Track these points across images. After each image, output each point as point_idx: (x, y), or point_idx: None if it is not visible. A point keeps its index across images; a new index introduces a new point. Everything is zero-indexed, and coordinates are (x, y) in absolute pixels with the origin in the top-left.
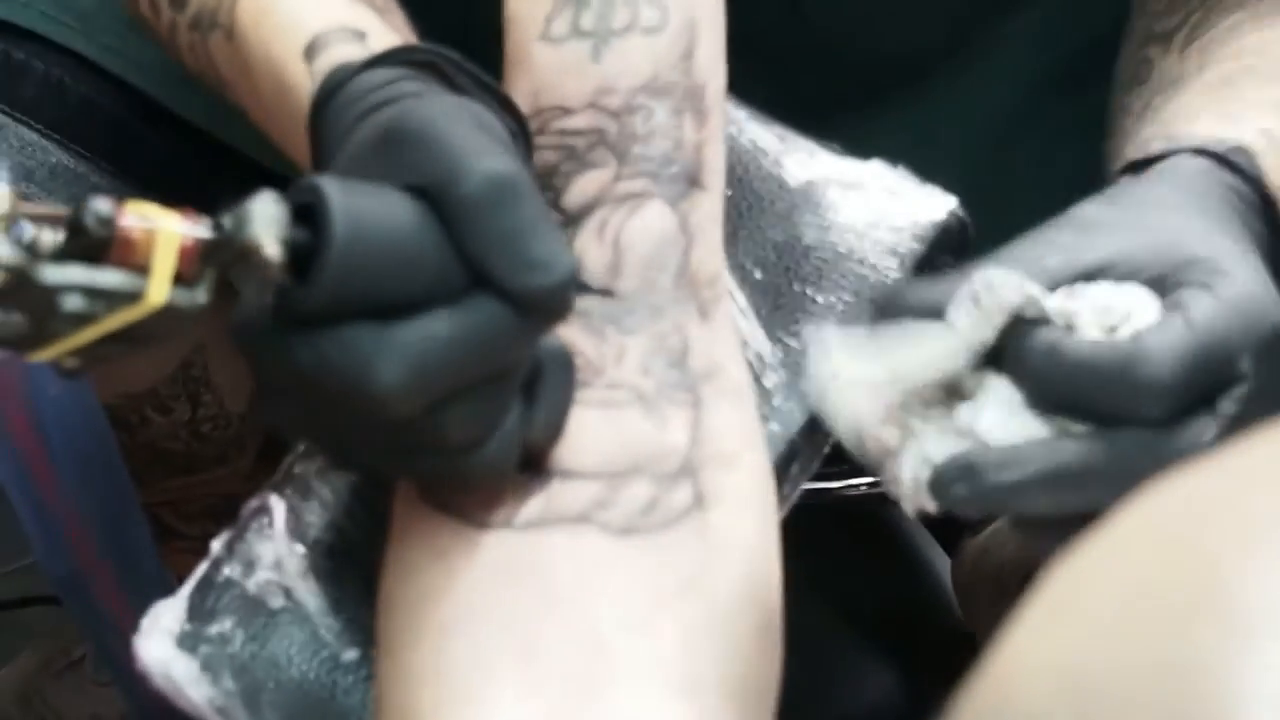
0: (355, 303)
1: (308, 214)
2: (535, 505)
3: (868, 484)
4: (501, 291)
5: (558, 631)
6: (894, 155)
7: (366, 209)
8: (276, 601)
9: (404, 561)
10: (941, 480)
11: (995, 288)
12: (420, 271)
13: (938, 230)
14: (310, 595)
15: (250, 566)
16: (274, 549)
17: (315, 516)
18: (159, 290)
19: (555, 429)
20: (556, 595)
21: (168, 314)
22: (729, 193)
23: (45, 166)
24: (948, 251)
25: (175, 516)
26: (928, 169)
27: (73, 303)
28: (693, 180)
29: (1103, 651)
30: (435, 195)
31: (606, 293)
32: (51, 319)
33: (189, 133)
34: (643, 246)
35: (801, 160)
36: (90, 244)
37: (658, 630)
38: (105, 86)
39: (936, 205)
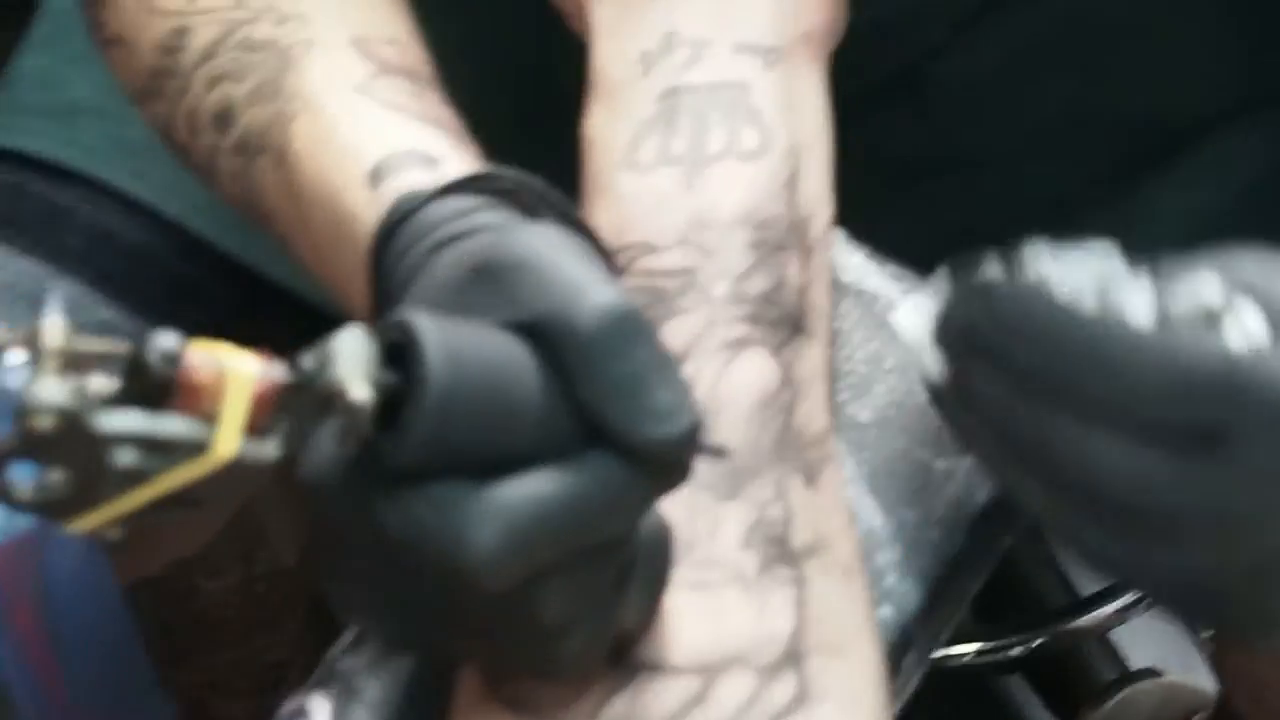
0: (450, 457)
1: (397, 355)
2: (620, 705)
3: (975, 651)
4: (618, 446)
5: None
6: None
7: (465, 349)
8: None
9: None
10: None
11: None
12: (525, 421)
13: None
14: None
15: None
16: None
17: (361, 718)
18: (228, 442)
19: (650, 613)
20: None
21: (234, 471)
22: (835, 342)
23: (94, 323)
24: None
25: (215, 696)
26: None
27: (126, 457)
28: (796, 325)
29: None
30: (544, 333)
31: (720, 452)
32: (99, 479)
33: (256, 282)
34: (742, 401)
35: (920, 305)
36: (150, 388)
37: None
38: (160, 232)
39: None
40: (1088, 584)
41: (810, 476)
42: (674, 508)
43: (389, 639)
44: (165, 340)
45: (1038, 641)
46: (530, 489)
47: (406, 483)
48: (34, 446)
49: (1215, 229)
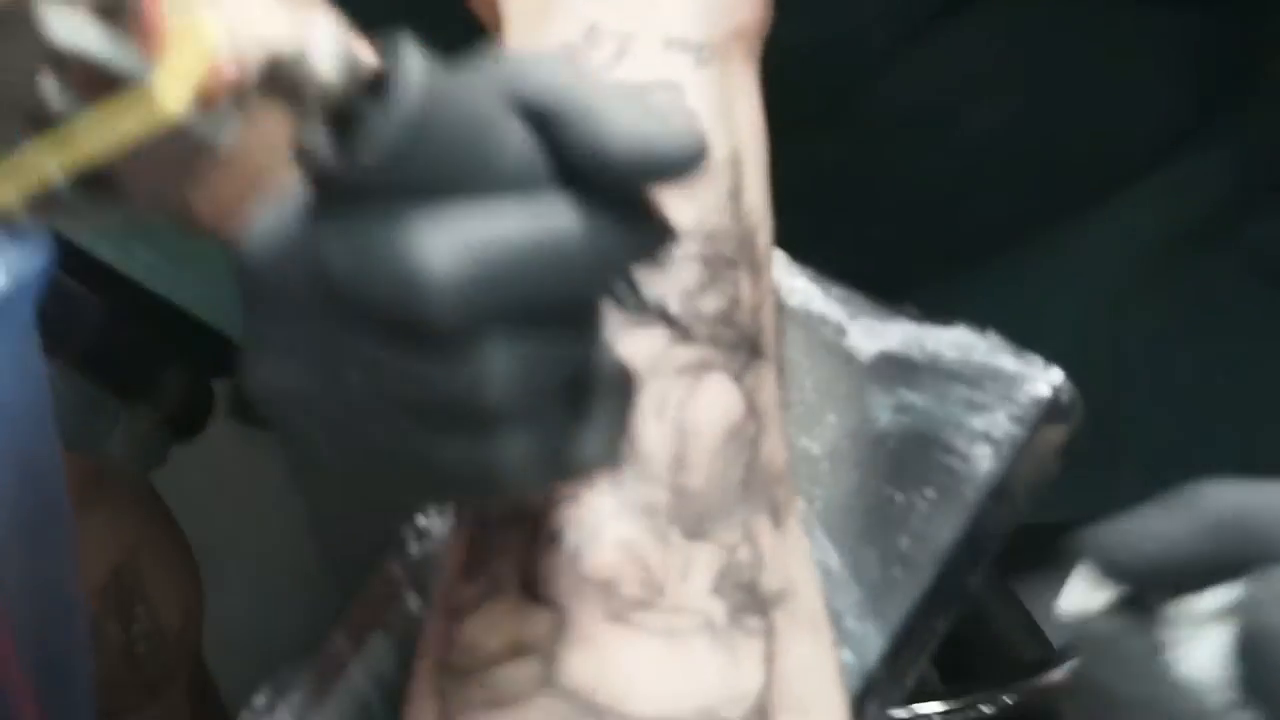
0: (413, 181)
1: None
2: None
3: (943, 712)
4: (606, 172)
5: None
6: (982, 322)
7: (446, 81)
8: None
9: None
10: None
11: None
12: (498, 157)
13: (1041, 411)
14: None
15: None
16: None
17: None
18: (175, 96)
19: (608, 457)
20: None
21: (175, 143)
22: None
23: None
24: (1057, 434)
25: None
26: (1023, 338)
27: (53, 92)
28: (754, 348)
29: None
30: (535, 103)
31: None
32: (20, 116)
33: None
34: (710, 434)
35: (870, 328)
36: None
37: None
38: None
39: (1037, 380)
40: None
41: (777, 517)
42: (645, 541)
43: (333, 453)
44: None
45: (1009, 700)
46: (491, 216)
47: (361, 203)
48: None
49: (1159, 261)
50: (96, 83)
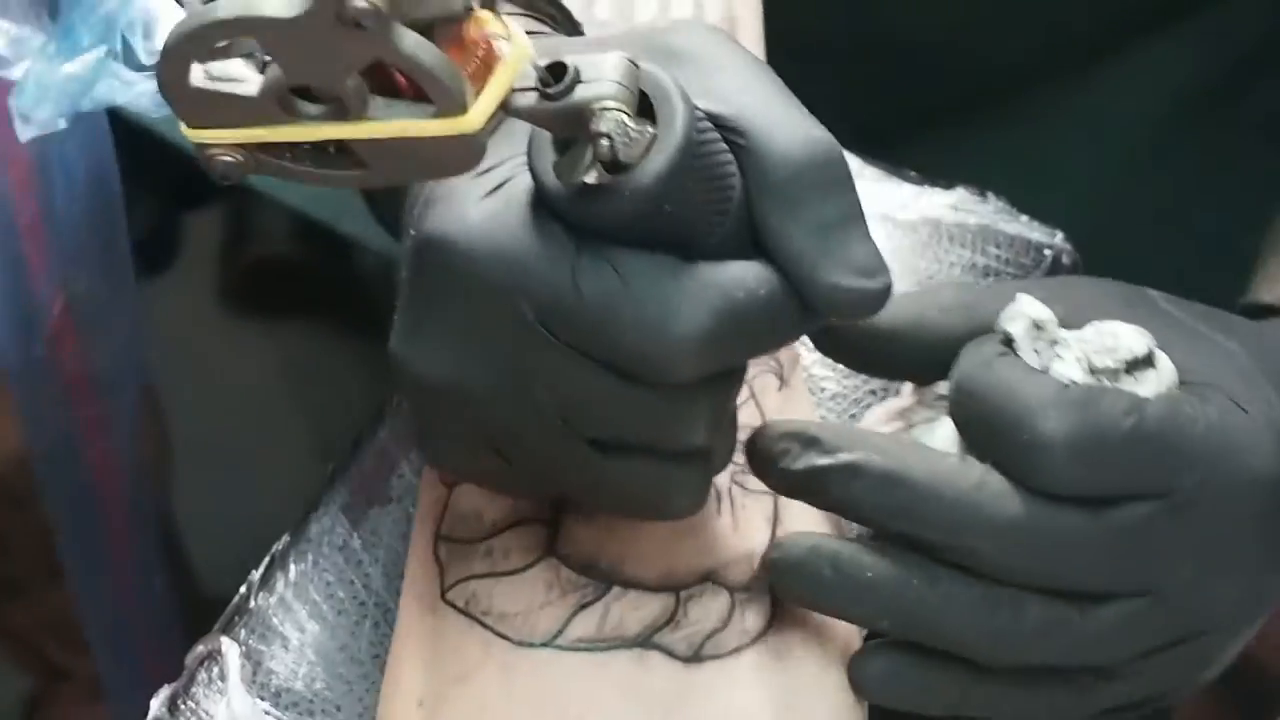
0: (665, 223)
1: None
2: (589, 618)
3: None
4: (804, 287)
5: None
6: (982, 183)
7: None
8: None
9: (418, 684)
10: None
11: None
12: (729, 207)
13: (1043, 273)
14: None
15: None
16: (229, 705)
17: (279, 663)
18: (480, 110)
19: (727, 459)
20: None
21: (455, 149)
22: None
23: None
24: None
25: (57, 647)
26: (1026, 203)
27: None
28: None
29: None
30: (744, 138)
31: None
32: (351, 98)
33: None
34: None
35: (868, 192)
36: (436, 23)
37: None
38: None
39: (1039, 242)
40: None
41: (782, 377)
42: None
43: (451, 437)
44: None
45: None
46: (742, 276)
47: (615, 238)
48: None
49: (1172, 121)
50: (402, 87)
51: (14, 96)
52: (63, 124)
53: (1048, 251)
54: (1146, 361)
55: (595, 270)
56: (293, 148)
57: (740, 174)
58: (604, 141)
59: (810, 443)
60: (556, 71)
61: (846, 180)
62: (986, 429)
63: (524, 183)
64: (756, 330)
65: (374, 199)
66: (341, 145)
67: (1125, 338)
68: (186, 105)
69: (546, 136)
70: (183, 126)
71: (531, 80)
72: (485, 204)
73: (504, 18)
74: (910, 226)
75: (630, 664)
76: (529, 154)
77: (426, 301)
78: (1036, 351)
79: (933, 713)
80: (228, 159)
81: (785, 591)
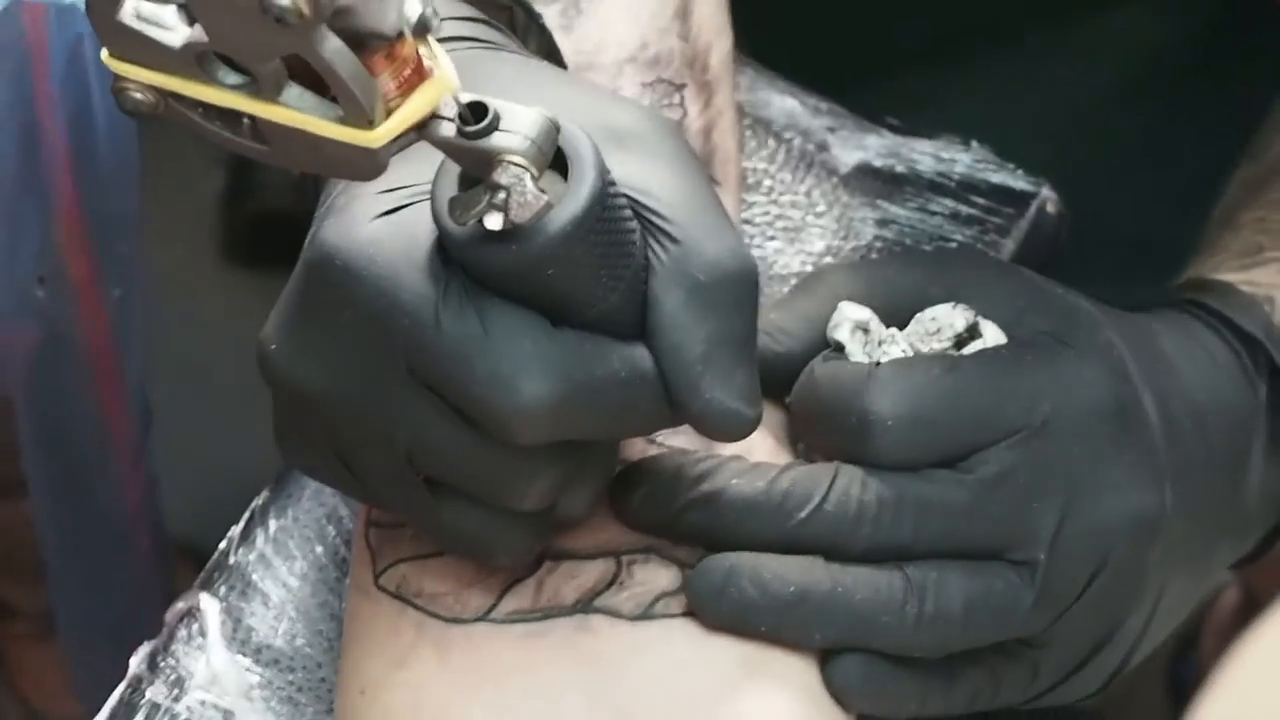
0: (547, 284)
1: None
2: (522, 592)
3: None
4: (674, 392)
5: None
6: (963, 129)
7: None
8: None
9: (359, 672)
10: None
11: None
12: (619, 280)
13: (1029, 223)
14: (255, 718)
15: (179, 685)
16: (208, 663)
17: (259, 620)
18: (386, 133)
19: (588, 508)
20: (550, 709)
21: (353, 155)
22: (759, 190)
23: None
24: (1041, 250)
25: (4, 577)
26: (1006, 146)
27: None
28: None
29: None
30: (659, 241)
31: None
32: (266, 79)
33: None
34: None
35: (850, 140)
36: (366, 36)
37: None
38: None
39: (1023, 191)
40: None
41: None
42: None
43: (334, 472)
44: (430, 8)
45: None
46: (597, 351)
47: (492, 284)
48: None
49: (1153, 66)
50: (320, 84)
51: None
52: None
53: (1033, 201)
54: (971, 333)
55: (460, 313)
56: (206, 106)
57: (652, 261)
58: (500, 194)
59: (657, 486)
60: (477, 111)
61: (755, 304)
62: (822, 428)
63: (420, 212)
64: (607, 411)
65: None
66: (254, 120)
67: (944, 317)
68: (110, 34)
69: (455, 170)
70: (104, 52)
71: (453, 111)
72: (376, 225)
73: (434, 45)
74: (890, 175)
75: (571, 629)
76: (434, 183)
77: (303, 305)
78: (867, 355)
79: (906, 715)
80: (138, 96)
81: (708, 618)
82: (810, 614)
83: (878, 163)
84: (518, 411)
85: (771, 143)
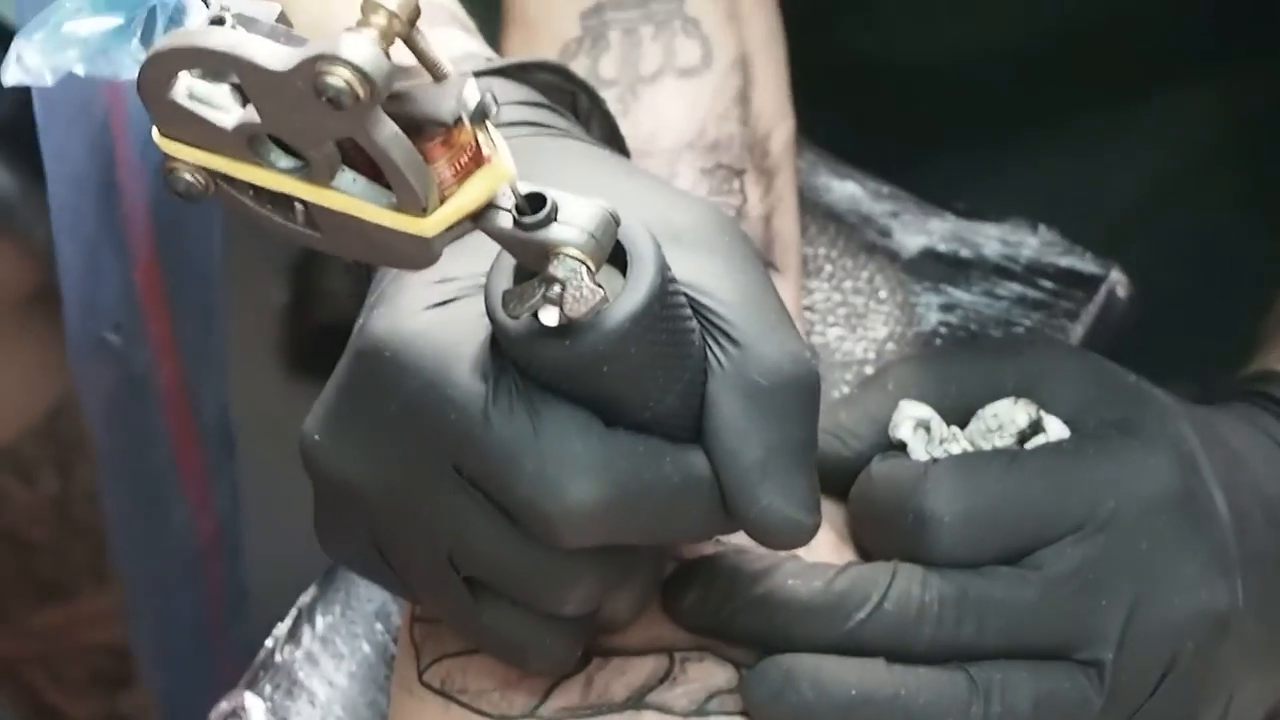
0: (601, 383)
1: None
2: (570, 689)
3: None
4: (731, 498)
5: None
6: (1028, 213)
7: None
8: None
9: None
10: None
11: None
12: (673, 387)
13: (1098, 307)
14: None
15: None
16: None
17: (305, 718)
18: (439, 222)
19: (636, 613)
20: None
21: (408, 246)
22: (820, 276)
23: None
24: (1111, 334)
25: (52, 684)
26: (1065, 231)
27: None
28: (762, 260)
29: None
30: (717, 341)
31: None
32: (319, 163)
33: None
34: None
35: (914, 225)
36: (423, 121)
37: None
38: None
39: (1092, 274)
40: None
41: None
42: None
43: (371, 565)
44: (489, 96)
45: None
46: (659, 456)
47: (545, 392)
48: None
49: (1160, 187)
50: (374, 170)
51: (19, 35)
52: (49, 80)
53: (1102, 284)
54: (1034, 429)
55: (510, 411)
56: (258, 190)
57: (711, 363)
58: (556, 287)
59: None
60: (535, 202)
61: (816, 410)
62: (880, 528)
63: (473, 305)
64: (658, 516)
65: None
66: (306, 205)
67: (1006, 413)
68: (162, 113)
69: (510, 263)
70: (154, 132)
71: (510, 202)
72: (426, 316)
73: (493, 132)
74: (954, 259)
75: None
76: (489, 274)
77: (349, 396)
78: (929, 453)
79: None
80: (189, 177)
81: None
82: (872, 718)
83: (942, 247)
84: (564, 514)
85: (833, 228)
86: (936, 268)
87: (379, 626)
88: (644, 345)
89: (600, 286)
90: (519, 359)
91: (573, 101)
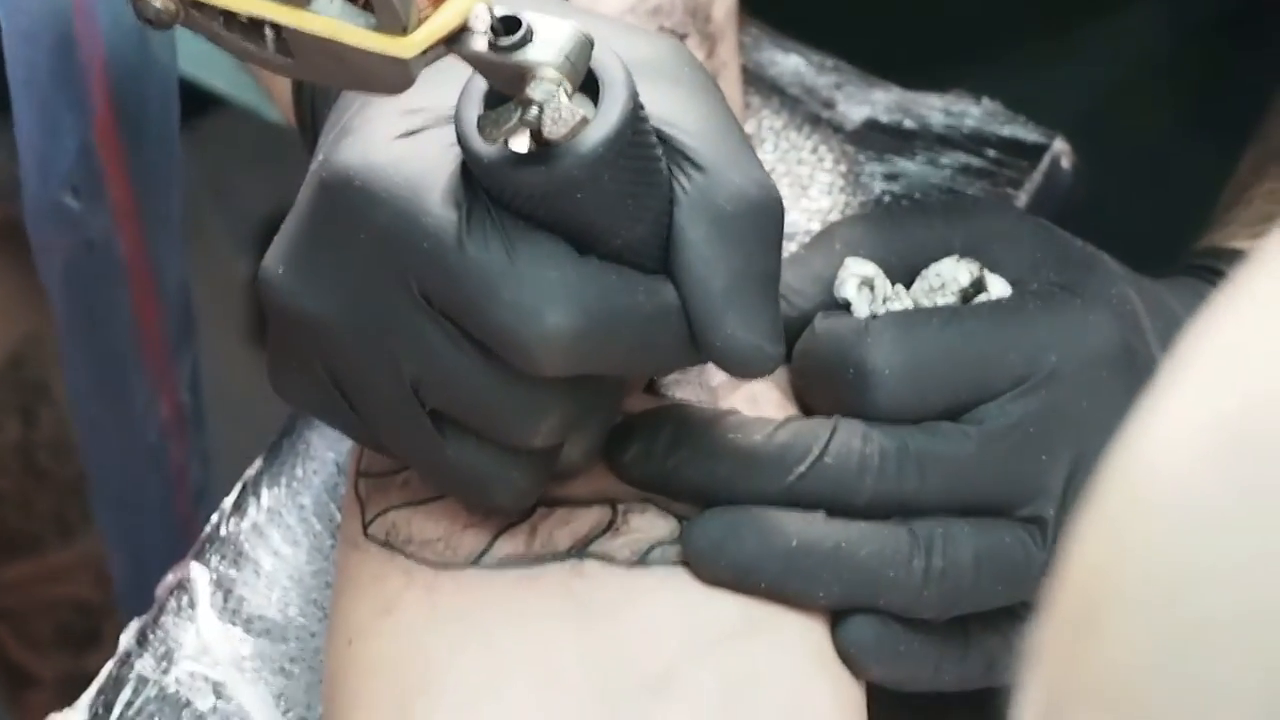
0: (574, 209)
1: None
2: (515, 537)
3: None
4: (696, 321)
5: (542, 702)
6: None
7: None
8: (204, 701)
9: (348, 623)
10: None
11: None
12: (645, 209)
13: (1042, 178)
14: (247, 689)
15: (168, 658)
16: (198, 633)
17: (251, 590)
18: (416, 44)
19: (586, 462)
20: (542, 653)
21: (385, 69)
22: (764, 148)
23: None
24: (1055, 204)
25: (16, 641)
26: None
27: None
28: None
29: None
30: (685, 174)
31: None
32: None
33: None
34: None
35: (857, 96)
36: None
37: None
38: None
39: (1036, 143)
40: None
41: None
42: None
43: (295, 366)
44: None
45: None
46: (632, 284)
47: (518, 212)
48: None
49: (1104, 104)
50: None
51: None
52: None
53: (1046, 153)
54: (977, 287)
55: (485, 238)
56: (228, 16)
57: (676, 191)
58: (533, 109)
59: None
60: (510, 24)
61: (780, 238)
62: (821, 383)
63: (442, 135)
64: (630, 344)
65: (302, 112)
66: (277, 29)
67: (949, 272)
68: None
69: (480, 90)
70: None
71: (485, 25)
72: (395, 146)
73: None
74: (898, 130)
75: (564, 574)
76: (459, 102)
77: (313, 231)
78: (872, 312)
79: (920, 684)
80: (158, 4)
81: (706, 572)
82: (814, 569)
83: (885, 118)
84: (542, 341)
85: (776, 100)
86: (880, 138)
87: (325, 498)
88: (617, 170)
89: (577, 107)
90: (492, 187)
91: None
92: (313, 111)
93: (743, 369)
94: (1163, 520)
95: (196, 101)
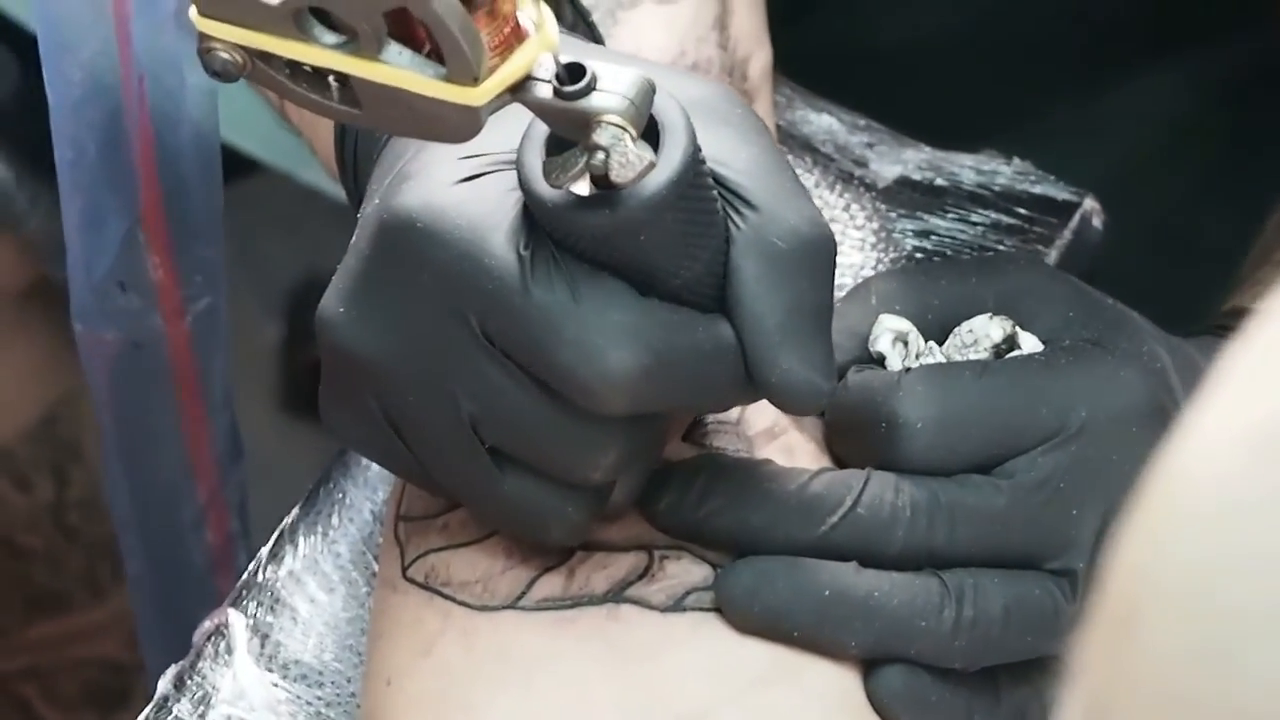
0: (636, 252)
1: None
2: (553, 580)
3: None
4: (751, 362)
5: None
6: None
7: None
8: None
9: (386, 664)
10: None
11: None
12: (701, 251)
13: (1072, 236)
14: None
15: (205, 702)
16: (235, 678)
17: (288, 635)
18: (486, 92)
19: (630, 501)
20: (577, 695)
21: (453, 117)
22: None
23: None
24: (1084, 262)
25: (44, 700)
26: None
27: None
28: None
29: None
30: (738, 211)
31: None
32: (367, 37)
33: None
34: None
35: (889, 155)
36: None
37: None
38: None
39: (1066, 201)
40: None
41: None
42: None
43: (382, 448)
44: None
45: None
46: (691, 324)
47: (581, 262)
48: None
49: (1127, 168)
50: (420, 40)
51: None
52: None
53: (1076, 211)
54: (1009, 344)
55: (549, 279)
56: (294, 67)
57: (731, 230)
58: (600, 154)
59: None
60: (575, 72)
61: (832, 274)
62: (854, 436)
63: (501, 179)
64: (689, 383)
65: (344, 161)
66: (343, 80)
67: (982, 328)
68: None
69: (541, 136)
70: (193, 10)
71: (549, 73)
72: (457, 190)
73: (541, 3)
74: (929, 187)
75: (600, 617)
76: (520, 148)
77: (374, 272)
78: (906, 366)
79: None
80: (226, 56)
81: (738, 619)
82: (846, 618)
83: (917, 176)
84: (605, 380)
85: (809, 158)
86: (912, 196)
87: (362, 547)
88: (678, 212)
89: (642, 151)
90: (555, 229)
91: (557, 14)
92: (355, 155)
93: (797, 404)
94: (1198, 519)
95: (227, 164)
